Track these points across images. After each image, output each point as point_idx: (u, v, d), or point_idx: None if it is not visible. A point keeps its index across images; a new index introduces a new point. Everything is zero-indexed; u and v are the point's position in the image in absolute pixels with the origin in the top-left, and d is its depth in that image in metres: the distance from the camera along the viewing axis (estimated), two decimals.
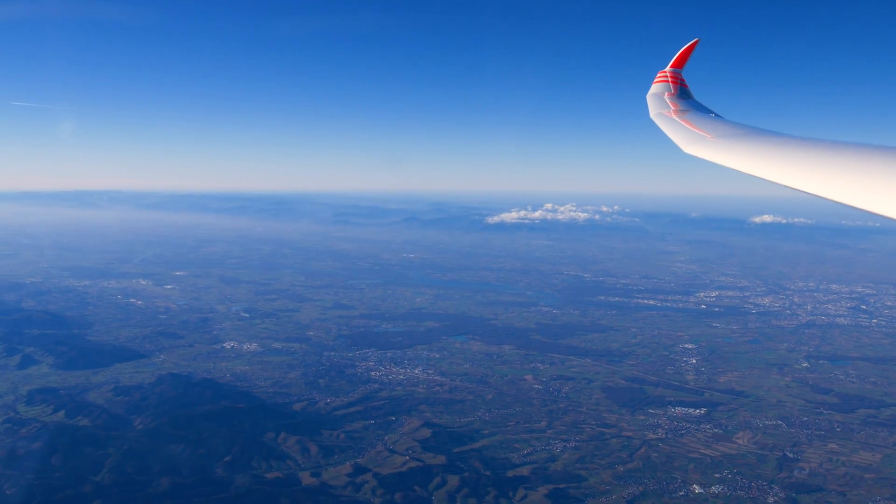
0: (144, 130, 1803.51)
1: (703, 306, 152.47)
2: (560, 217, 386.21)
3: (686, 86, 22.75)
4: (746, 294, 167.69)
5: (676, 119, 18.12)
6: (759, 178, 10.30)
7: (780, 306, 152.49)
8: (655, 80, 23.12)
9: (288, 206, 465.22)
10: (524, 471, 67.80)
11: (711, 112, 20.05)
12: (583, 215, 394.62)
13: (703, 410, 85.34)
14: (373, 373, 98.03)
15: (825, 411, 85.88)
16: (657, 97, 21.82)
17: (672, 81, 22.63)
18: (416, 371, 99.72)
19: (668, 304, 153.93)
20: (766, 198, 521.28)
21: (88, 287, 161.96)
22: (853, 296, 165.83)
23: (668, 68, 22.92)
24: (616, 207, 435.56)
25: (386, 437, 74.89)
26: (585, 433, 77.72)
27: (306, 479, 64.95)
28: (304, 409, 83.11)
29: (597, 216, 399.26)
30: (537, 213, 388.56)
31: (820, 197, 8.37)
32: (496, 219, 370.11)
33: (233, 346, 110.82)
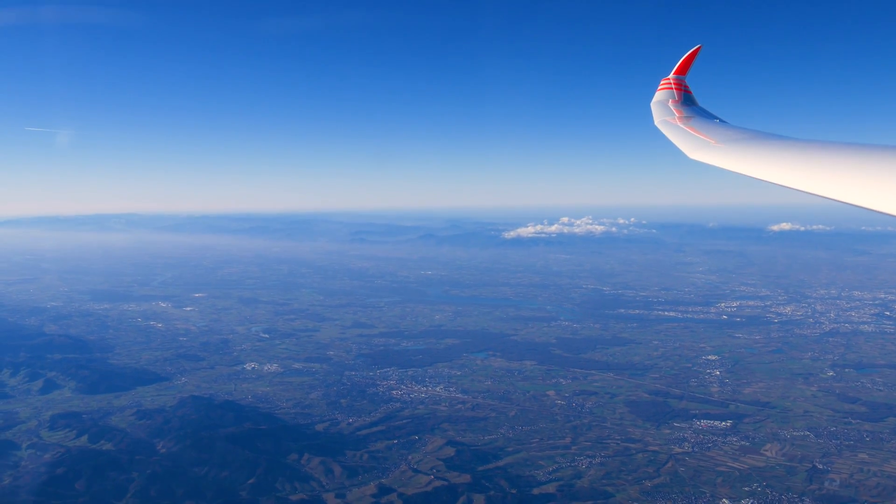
0: (160, 154, 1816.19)
1: (725, 317, 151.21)
2: (577, 230, 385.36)
3: (690, 92, 22.77)
4: (768, 303, 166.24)
5: (681, 125, 18.05)
6: (765, 182, 10.24)
7: (802, 315, 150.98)
8: (659, 87, 23.13)
9: (304, 226, 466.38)
10: (550, 488, 67.12)
11: (716, 118, 20.04)
12: (599, 228, 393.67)
13: (729, 423, 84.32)
14: (394, 392, 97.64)
15: (853, 421, 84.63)
16: (661, 104, 21.80)
17: (676, 88, 22.61)
18: (437, 389, 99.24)
19: (689, 316, 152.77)
20: (784, 205, 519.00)
21: (109, 310, 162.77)
22: (876, 302, 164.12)
23: (671, 75, 22.96)
24: (633, 219, 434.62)
25: (410, 457, 74.39)
26: (610, 448, 76.89)
27: (331, 500, 64.56)
28: (327, 429, 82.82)
29: (613, 229, 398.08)
30: (554, 227, 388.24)
31: (826, 198, 8.32)
32: (513, 234, 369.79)
33: (253, 368, 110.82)
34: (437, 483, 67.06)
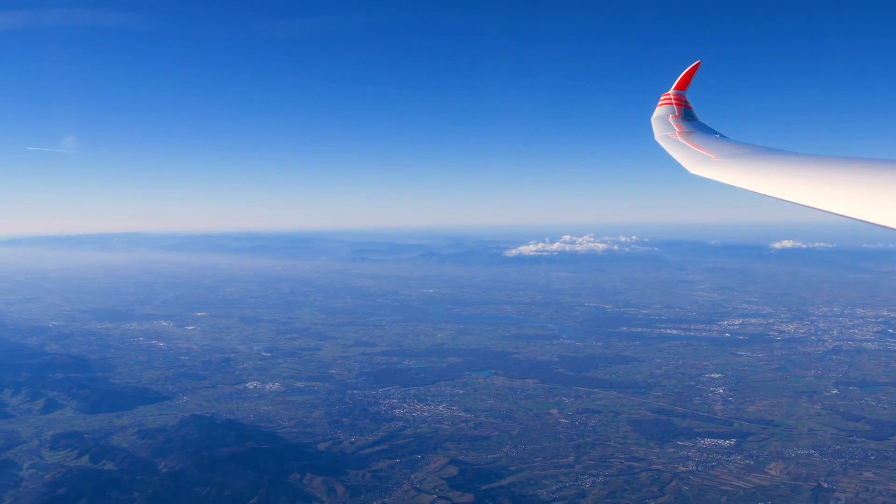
0: (161, 173, 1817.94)
1: (727, 335, 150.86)
2: (578, 248, 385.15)
3: (690, 107, 22.84)
4: (770, 321, 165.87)
5: (681, 141, 18.10)
6: (766, 197, 10.26)
7: (805, 332, 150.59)
8: (659, 102, 23.20)
9: (306, 245, 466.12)
10: None
11: (716, 133, 20.09)
12: (601, 246, 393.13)
13: (732, 441, 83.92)
14: (396, 410, 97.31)
15: (858, 439, 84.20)
16: (661, 120, 21.88)
17: (676, 103, 22.71)
18: (440, 408, 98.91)
19: (692, 334, 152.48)
20: (786, 223, 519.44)
21: (110, 329, 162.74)
22: (879, 320, 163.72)
23: (671, 90, 23.05)
24: (634, 237, 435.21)
25: (412, 476, 74.02)
26: (614, 467, 76.51)
27: None
28: (329, 448, 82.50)
29: (615, 246, 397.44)
30: (555, 245, 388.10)
31: (828, 212, 8.32)
32: (514, 252, 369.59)
33: (255, 387, 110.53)
34: (440, 503, 66.77)
